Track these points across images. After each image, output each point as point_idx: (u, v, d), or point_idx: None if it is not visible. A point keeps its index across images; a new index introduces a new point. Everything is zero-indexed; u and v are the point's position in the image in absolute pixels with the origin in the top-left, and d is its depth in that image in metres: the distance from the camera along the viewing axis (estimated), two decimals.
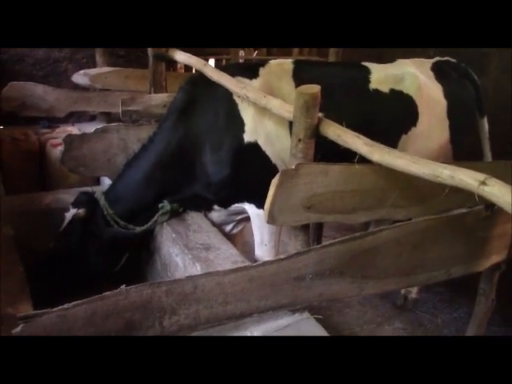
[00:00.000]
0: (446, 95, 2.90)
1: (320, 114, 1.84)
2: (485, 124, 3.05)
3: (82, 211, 2.47)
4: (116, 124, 2.90)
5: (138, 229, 2.55)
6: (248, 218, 2.77)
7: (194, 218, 2.72)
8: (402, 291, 3.33)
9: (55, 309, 1.49)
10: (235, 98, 2.49)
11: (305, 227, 1.96)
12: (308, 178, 1.82)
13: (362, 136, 1.78)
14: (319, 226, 3.35)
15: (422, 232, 2.15)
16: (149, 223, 2.56)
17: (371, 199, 1.97)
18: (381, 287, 2.16)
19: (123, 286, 1.58)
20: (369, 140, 1.76)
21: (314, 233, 3.25)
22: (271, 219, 1.81)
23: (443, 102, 2.89)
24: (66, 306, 1.51)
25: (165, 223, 2.66)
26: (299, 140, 1.84)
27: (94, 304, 1.55)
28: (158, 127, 2.63)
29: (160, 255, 2.72)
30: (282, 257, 1.87)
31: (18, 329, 1.44)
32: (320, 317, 2.07)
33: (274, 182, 1.78)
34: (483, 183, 1.33)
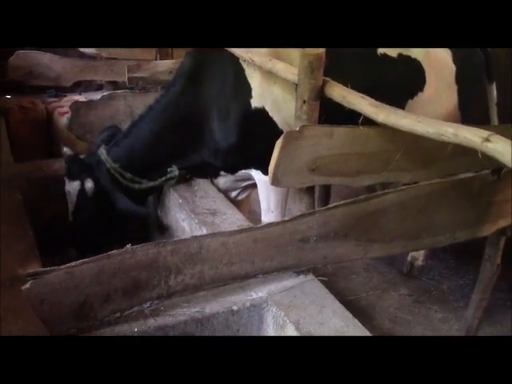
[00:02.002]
0: (455, 60, 2.86)
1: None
2: (493, 90, 3.01)
3: (90, 183, 2.45)
4: (123, 91, 2.90)
5: (145, 183, 2.54)
6: (254, 185, 2.78)
7: (201, 184, 2.74)
8: (408, 258, 3.34)
9: (63, 266, 1.52)
10: (242, 62, 2.47)
11: (309, 190, 1.97)
12: (312, 140, 1.82)
13: (367, 97, 1.77)
14: (326, 193, 3.35)
15: (427, 196, 2.15)
16: (156, 181, 2.55)
17: (376, 162, 1.97)
18: (385, 250, 2.17)
19: (129, 245, 1.61)
20: (374, 101, 1.75)
21: (320, 199, 3.25)
22: (275, 181, 1.82)
23: (452, 67, 2.85)
24: (73, 263, 1.54)
25: (171, 189, 2.68)
26: (304, 102, 1.83)
27: (101, 262, 1.58)
28: (165, 91, 2.61)
29: (167, 221, 2.75)
30: (286, 218, 1.88)
31: (27, 285, 1.47)
32: (325, 279, 2.10)
33: (278, 143, 1.78)
34: (487, 140, 1.33)
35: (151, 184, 2.53)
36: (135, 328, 1.71)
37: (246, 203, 3.08)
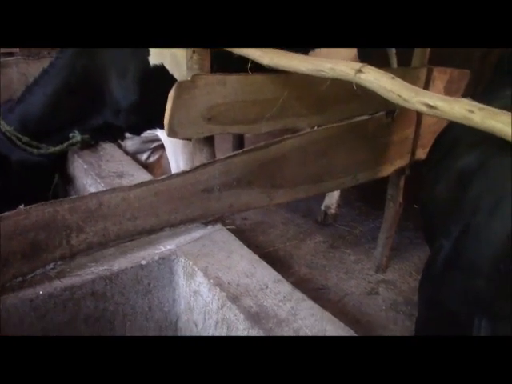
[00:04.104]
0: None
1: None
2: None
3: None
4: (14, 58, 2.77)
5: (45, 148, 2.45)
6: (163, 146, 2.77)
7: (107, 148, 2.69)
8: (322, 207, 3.47)
9: None
10: None
11: (209, 140, 1.99)
12: (206, 89, 1.84)
13: None
14: (240, 142, 3.38)
15: (325, 139, 2.23)
16: (57, 147, 2.47)
17: (272, 109, 2.01)
18: (290, 196, 2.24)
19: (22, 206, 1.57)
20: None
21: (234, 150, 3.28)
22: (171, 132, 1.83)
23: None
24: None
25: (76, 156, 2.61)
26: (193, 51, 1.83)
27: None
28: (59, 53, 2.52)
29: (75, 190, 2.69)
30: (187, 169, 1.90)
31: None
32: (233, 227, 2.14)
33: (171, 94, 1.78)
34: (359, 71, 1.40)
35: (51, 149, 2.46)
36: (40, 291, 1.69)
37: (157, 165, 3.07)
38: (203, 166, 1.90)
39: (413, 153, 2.68)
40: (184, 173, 1.88)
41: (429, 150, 2.07)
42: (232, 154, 1.97)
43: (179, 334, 2.06)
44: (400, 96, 1.34)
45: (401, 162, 2.65)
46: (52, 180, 2.56)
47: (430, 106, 1.28)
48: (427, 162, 2.04)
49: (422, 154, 2.66)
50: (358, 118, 2.37)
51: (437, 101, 1.28)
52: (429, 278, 1.60)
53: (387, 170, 2.60)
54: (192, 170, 1.88)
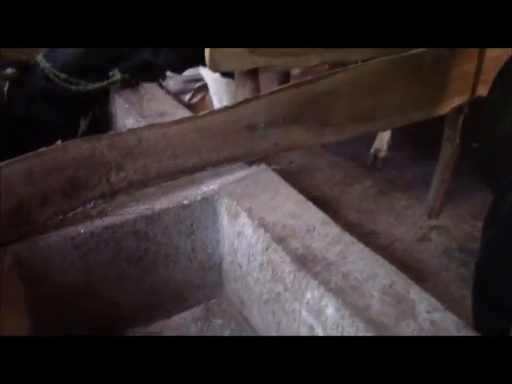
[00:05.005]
0: None
1: None
2: None
3: (10, 70, 2.30)
4: None
5: (84, 85, 2.39)
6: (207, 87, 2.67)
7: (148, 88, 2.61)
8: (372, 150, 3.31)
9: None
10: None
11: (252, 74, 1.86)
12: None
13: None
14: (285, 78, 3.22)
15: (378, 74, 2.06)
16: (95, 85, 2.41)
17: None
18: (339, 135, 2.11)
19: (59, 141, 1.52)
20: None
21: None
22: (213, 65, 1.71)
23: None
24: None
25: (117, 96, 2.55)
26: None
27: (30, 161, 1.49)
28: None
29: (116, 130, 2.63)
30: (229, 105, 1.80)
31: None
32: (278, 167, 2.04)
33: None
34: None
35: (90, 87, 2.39)
36: (81, 229, 1.66)
37: (201, 106, 2.96)
38: (246, 101, 1.79)
39: (473, 89, 2.47)
40: (226, 108, 1.78)
41: (491, 84, 1.90)
42: (277, 88, 1.84)
43: (223, 276, 2.02)
44: None
45: (460, 99, 2.45)
46: (84, 116, 2.52)
47: None
48: (490, 99, 1.89)
49: (483, 90, 2.45)
50: (414, 51, 2.17)
51: None
52: (494, 219, 1.47)
53: (444, 108, 2.41)
54: (235, 106, 1.77)
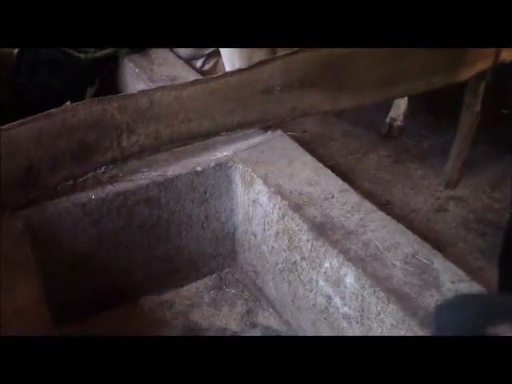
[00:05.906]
0: None
1: None
2: None
3: None
4: None
5: (91, 52, 2.33)
6: (219, 52, 2.59)
7: (159, 52, 2.54)
8: (387, 119, 3.22)
9: None
10: None
11: None
12: None
13: None
14: None
15: None
16: (103, 51, 2.34)
17: None
18: (357, 100, 2.03)
19: (68, 102, 1.46)
20: None
21: None
22: None
23: None
24: (7, 125, 1.39)
25: (127, 60, 2.48)
26: None
27: (40, 122, 1.43)
28: None
29: None
30: (244, 68, 1.72)
31: None
32: (294, 133, 1.98)
33: None
34: None
35: (98, 54, 2.33)
36: (92, 195, 1.61)
37: (212, 72, 2.88)
38: (262, 63, 1.71)
39: (497, 55, 2.37)
40: (241, 71, 1.70)
41: None
42: (294, 50, 1.76)
43: (236, 246, 1.97)
44: None
45: (482, 64, 2.35)
46: (91, 84, 2.46)
47: None
48: None
49: (507, 55, 2.35)
50: None
51: None
52: None
53: (466, 73, 2.31)
54: (249, 68, 1.70)
